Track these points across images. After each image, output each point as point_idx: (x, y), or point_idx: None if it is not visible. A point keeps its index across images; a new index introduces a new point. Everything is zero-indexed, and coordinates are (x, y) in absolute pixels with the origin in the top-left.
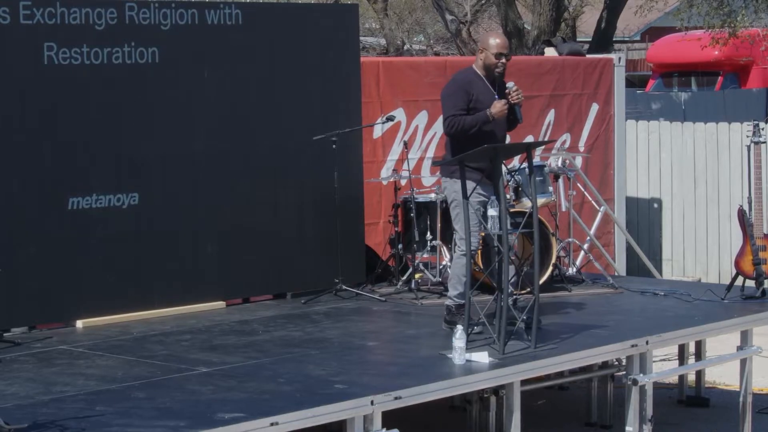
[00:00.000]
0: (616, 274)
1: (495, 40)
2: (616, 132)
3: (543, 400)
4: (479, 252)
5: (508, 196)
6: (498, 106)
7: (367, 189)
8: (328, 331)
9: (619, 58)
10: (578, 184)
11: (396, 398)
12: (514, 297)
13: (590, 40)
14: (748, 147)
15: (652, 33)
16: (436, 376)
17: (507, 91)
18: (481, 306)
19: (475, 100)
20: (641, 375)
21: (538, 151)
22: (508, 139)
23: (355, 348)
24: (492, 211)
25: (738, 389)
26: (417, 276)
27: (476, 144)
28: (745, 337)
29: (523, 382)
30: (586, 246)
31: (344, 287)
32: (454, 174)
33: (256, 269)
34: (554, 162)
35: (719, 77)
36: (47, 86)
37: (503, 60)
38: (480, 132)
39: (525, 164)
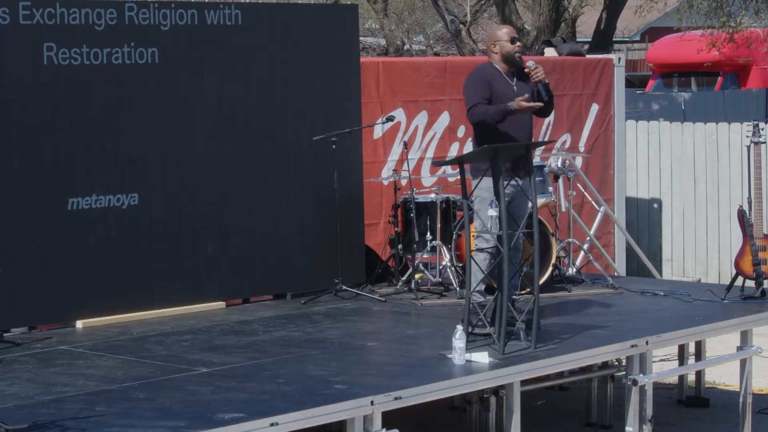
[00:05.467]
0: (616, 274)
1: (503, 29)
2: (616, 132)
3: (543, 400)
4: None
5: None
6: (520, 102)
7: (367, 189)
8: (328, 331)
9: (619, 59)
10: (578, 185)
11: (396, 398)
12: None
13: (590, 40)
14: (748, 147)
15: (652, 33)
16: (436, 377)
17: (527, 70)
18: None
19: (496, 93)
20: (641, 375)
21: (538, 152)
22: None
23: (355, 348)
24: (492, 211)
25: (738, 389)
26: (417, 276)
27: (502, 137)
28: (745, 337)
29: (523, 383)
30: (586, 246)
31: (344, 287)
32: (487, 172)
33: (256, 269)
34: (554, 162)
35: (719, 77)
36: (47, 86)
37: (518, 43)
38: (505, 125)
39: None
